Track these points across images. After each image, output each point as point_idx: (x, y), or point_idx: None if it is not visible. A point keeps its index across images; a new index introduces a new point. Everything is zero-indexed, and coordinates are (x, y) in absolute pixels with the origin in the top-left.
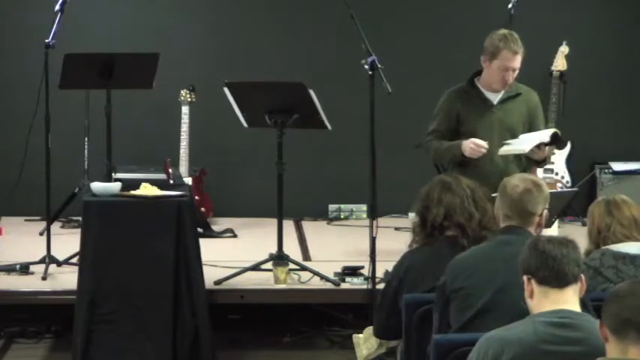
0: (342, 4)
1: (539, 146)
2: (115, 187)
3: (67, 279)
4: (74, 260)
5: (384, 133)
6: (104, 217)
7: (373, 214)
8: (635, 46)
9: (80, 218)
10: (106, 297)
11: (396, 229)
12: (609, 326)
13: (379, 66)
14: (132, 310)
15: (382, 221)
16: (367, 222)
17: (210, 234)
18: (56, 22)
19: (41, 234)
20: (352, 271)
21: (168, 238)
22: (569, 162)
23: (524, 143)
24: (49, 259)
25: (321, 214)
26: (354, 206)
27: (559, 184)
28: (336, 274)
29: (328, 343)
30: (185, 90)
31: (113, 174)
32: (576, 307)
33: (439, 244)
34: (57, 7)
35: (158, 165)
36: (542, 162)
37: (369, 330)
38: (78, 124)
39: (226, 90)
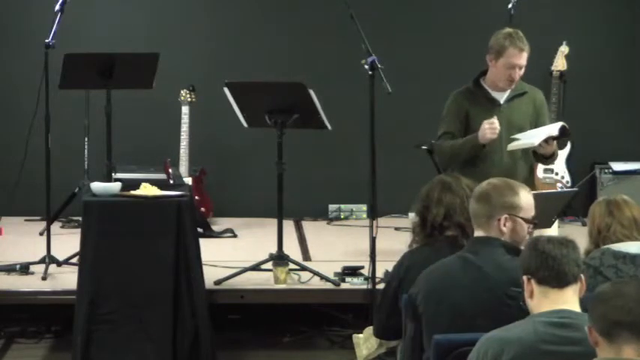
0: (342, 4)
1: (547, 140)
2: (115, 187)
3: (67, 279)
4: (74, 260)
5: (384, 133)
6: (104, 217)
7: (373, 214)
8: (635, 46)
9: (80, 218)
10: (106, 297)
11: (396, 229)
12: (599, 330)
13: (379, 66)
14: (132, 310)
15: (382, 221)
16: (367, 222)
17: (210, 234)
18: (56, 22)
19: (41, 234)
20: (352, 271)
21: (168, 238)
22: (569, 162)
23: (533, 137)
24: (49, 259)
25: (321, 214)
26: (354, 206)
27: (559, 184)
28: (336, 274)
29: (328, 343)
30: (185, 90)
31: (113, 174)
32: (576, 307)
33: (439, 244)
34: (57, 7)
35: (158, 165)
36: (551, 157)
37: (369, 330)
38: (78, 124)
39: (226, 90)
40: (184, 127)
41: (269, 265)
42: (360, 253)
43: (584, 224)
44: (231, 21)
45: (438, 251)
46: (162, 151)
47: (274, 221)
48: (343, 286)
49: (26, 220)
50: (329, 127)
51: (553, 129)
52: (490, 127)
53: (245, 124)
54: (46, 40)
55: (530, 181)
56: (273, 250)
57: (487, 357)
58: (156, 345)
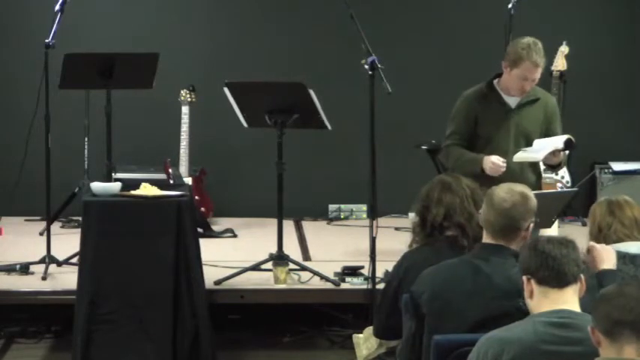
0: (342, 4)
1: (553, 152)
2: (115, 187)
3: (67, 279)
4: (74, 260)
5: (384, 133)
6: (104, 217)
7: (373, 214)
8: (635, 46)
9: (80, 218)
10: (106, 297)
11: (396, 229)
12: (601, 329)
13: (379, 66)
14: (132, 310)
15: (382, 221)
16: (367, 222)
17: (210, 234)
18: (56, 22)
19: (41, 234)
20: (352, 271)
21: (169, 238)
22: (569, 162)
23: (538, 152)
24: (49, 259)
25: (321, 214)
26: (354, 206)
27: (559, 184)
28: (336, 274)
29: (328, 343)
30: (185, 90)
31: (113, 174)
32: (576, 307)
33: (439, 244)
34: (57, 7)
35: (158, 165)
36: (558, 166)
37: (369, 330)
38: (78, 124)
39: (226, 90)
40: (184, 127)
41: (269, 265)
42: (360, 253)
43: (584, 224)
44: (231, 21)
45: (438, 251)
46: (162, 151)
47: (274, 221)
48: (343, 286)
49: (26, 220)
50: (329, 127)
51: (558, 142)
52: (493, 167)
53: (245, 124)
54: (46, 40)
55: (537, 188)
56: (273, 250)
57: (487, 357)
58: (156, 345)
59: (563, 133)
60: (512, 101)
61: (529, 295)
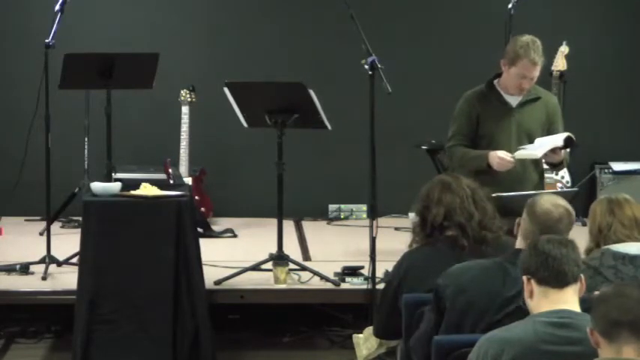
0: (342, 4)
1: (554, 150)
2: (115, 187)
3: (67, 279)
4: (74, 260)
5: (384, 133)
6: (104, 217)
7: (373, 214)
8: (635, 46)
9: (80, 218)
10: (106, 297)
11: (396, 229)
12: (599, 330)
13: (379, 66)
14: (132, 310)
15: (382, 221)
16: (367, 222)
17: (210, 234)
18: (56, 22)
19: (41, 234)
20: (352, 271)
21: (169, 238)
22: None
23: (537, 149)
24: (49, 259)
25: (321, 214)
26: (354, 206)
27: (559, 184)
28: (336, 274)
29: (328, 343)
30: (185, 90)
31: (113, 174)
32: (576, 307)
33: (439, 244)
34: (57, 7)
35: (158, 165)
36: (559, 165)
37: (369, 330)
38: (78, 124)
39: (226, 90)
40: (184, 127)
41: (269, 265)
42: (360, 253)
43: (584, 224)
44: (231, 21)
45: (438, 251)
46: (162, 151)
47: (274, 221)
48: (343, 286)
49: (26, 220)
50: (329, 127)
51: (558, 140)
52: (501, 162)
53: (245, 124)
54: (46, 40)
55: (540, 187)
56: (273, 250)
57: (487, 357)
58: (156, 345)
59: (564, 132)
60: (513, 100)
61: (529, 295)
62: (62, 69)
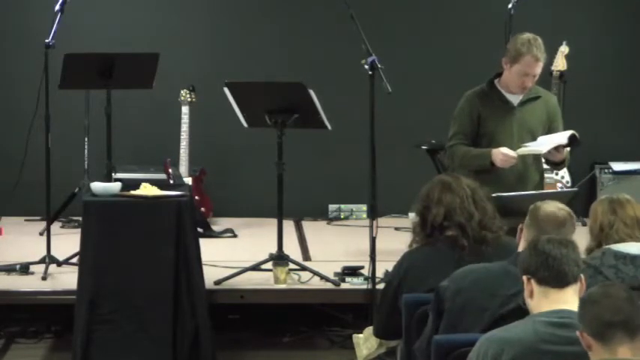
0: (342, 4)
1: (557, 148)
2: (115, 187)
3: (67, 279)
4: (74, 260)
5: (384, 133)
6: (104, 217)
7: (373, 214)
8: (635, 46)
9: (80, 218)
10: (106, 297)
11: (396, 229)
12: (591, 332)
13: (379, 66)
14: (132, 310)
15: (382, 221)
16: (367, 222)
17: (210, 234)
18: (56, 22)
19: (41, 234)
20: (352, 271)
21: (169, 238)
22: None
23: (541, 145)
24: (49, 259)
25: (321, 214)
26: (354, 206)
27: (559, 184)
28: (336, 274)
29: (328, 343)
30: (185, 90)
31: (113, 174)
32: (576, 307)
33: (439, 244)
34: (57, 7)
35: (158, 165)
36: (561, 164)
37: (369, 330)
38: (78, 124)
39: (226, 90)
40: (184, 127)
41: (269, 265)
42: (360, 253)
43: (584, 224)
44: (231, 21)
45: (438, 251)
46: (162, 151)
47: (274, 221)
48: (343, 286)
49: (26, 220)
50: (329, 127)
51: (562, 137)
52: (504, 159)
53: (245, 124)
54: (46, 40)
55: (541, 187)
56: (273, 250)
57: (487, 357)
58: (156, 345)
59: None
60: (513, 99)
61: (529, 295)
62: (62, 69)
